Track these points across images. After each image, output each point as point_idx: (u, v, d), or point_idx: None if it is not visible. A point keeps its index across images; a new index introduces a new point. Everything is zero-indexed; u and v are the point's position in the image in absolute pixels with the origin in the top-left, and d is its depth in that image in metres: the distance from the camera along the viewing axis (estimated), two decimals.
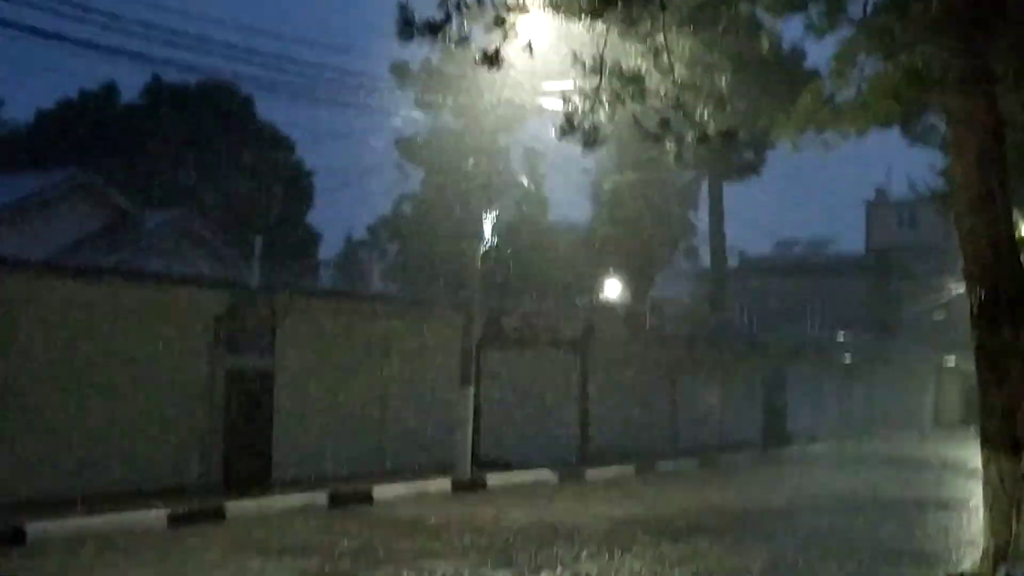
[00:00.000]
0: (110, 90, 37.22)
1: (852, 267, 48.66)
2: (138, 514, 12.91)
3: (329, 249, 42.69)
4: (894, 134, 15.67)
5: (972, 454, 11.89)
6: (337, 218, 42.59)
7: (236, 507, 14.03)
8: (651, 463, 22.39)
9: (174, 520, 13.06)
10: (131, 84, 39.78)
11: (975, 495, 12.95)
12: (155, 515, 13.01)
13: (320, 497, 15.21)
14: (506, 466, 19.34)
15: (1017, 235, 9.56)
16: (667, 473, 21.77)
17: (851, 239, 60.64)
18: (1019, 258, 9.28)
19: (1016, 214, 10.02)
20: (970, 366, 10.58)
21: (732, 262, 44.26)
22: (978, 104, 9.11)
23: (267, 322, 16.53)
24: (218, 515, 13.66)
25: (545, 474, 19.35)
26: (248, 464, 15.85)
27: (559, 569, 10.77)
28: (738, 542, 12.92)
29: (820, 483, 20.53)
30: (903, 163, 52.95)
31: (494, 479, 18.20)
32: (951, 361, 40.69)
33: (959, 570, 10.00)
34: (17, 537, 11.51)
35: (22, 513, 12.28)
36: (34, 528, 11.74)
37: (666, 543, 12.59)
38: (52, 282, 14.41)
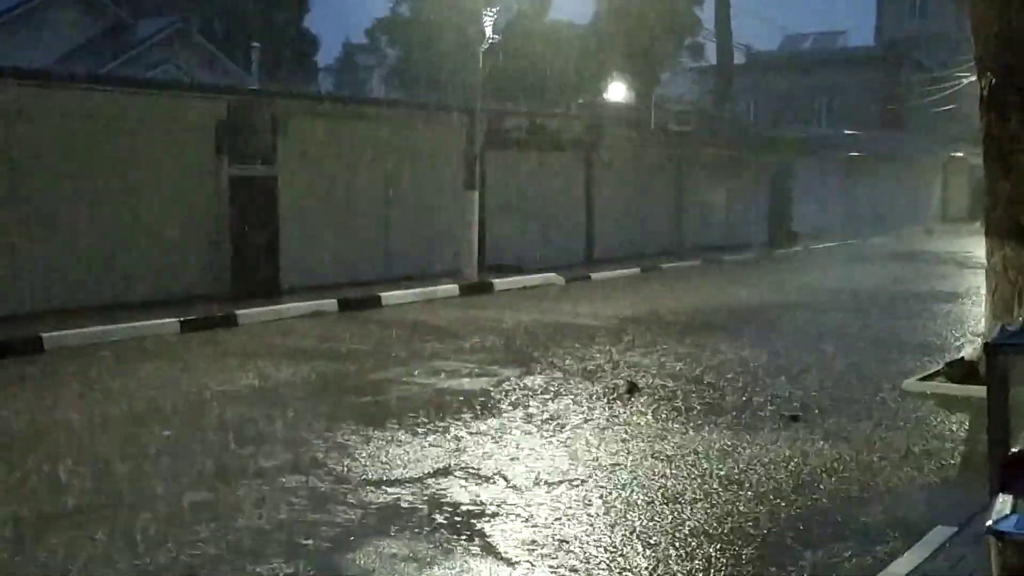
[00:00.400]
0: None
1: (861, 61, 47.70)
2: (150, 322, 13.09)
3: (327, 55, 42.00)
4: None
5: (978, 248, 11.94)
6: (334, 22, 41.67)
7: (247, 314, 14.21)
8: (656, 264, 22.57)
9: (186, 327, 13.27)
10: None
11: (979, 287, 13.09)
12: (167, 323, 13.20)
13: (329, 303, 15.39)
14: (512, 270, 19.50)
15: None
16: (672, 273, 21.96)
17: (861, 33, 59.37)
18: None
19: None
20: (978, 160, 10.49)
21: (739, 59, 43.47)
22: None
23: (269, 129, 16.36)
24: (230, 322, 13.86)
25: (551, 277, 19.52)
26: (257, 272, 15.98)
27: (567, 364, 10.98)
28: (744, 337, 13.14)
29: (825, 279, 20.72)
30: None
31: (501, 283, 18.38)
32: (959, 154, 40.43)
33: (960, 355, 10.17)
34: (35, 345, 11.73)
35: (38, 322, 12.50)
36: (50, 336, 11.95)
37: (672, 339, 12.80)
38: (53, 91, 14.22)
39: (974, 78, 9.65)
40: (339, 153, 17.69)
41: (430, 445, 7.70)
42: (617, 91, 30.51)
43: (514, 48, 29.39)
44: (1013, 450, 3.45)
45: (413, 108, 20.83)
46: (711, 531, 5.89)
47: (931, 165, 41.92)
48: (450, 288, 17.46)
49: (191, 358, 11.41)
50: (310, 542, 5.72)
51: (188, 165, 15.48)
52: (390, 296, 16.29)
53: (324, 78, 41.10)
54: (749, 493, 6.60)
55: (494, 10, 18.60)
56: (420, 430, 8.14)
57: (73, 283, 13.89)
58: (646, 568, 5.36)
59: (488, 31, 18.35)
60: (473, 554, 5.55)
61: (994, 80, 8.99)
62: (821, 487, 6.76)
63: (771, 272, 22.46)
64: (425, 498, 6.45)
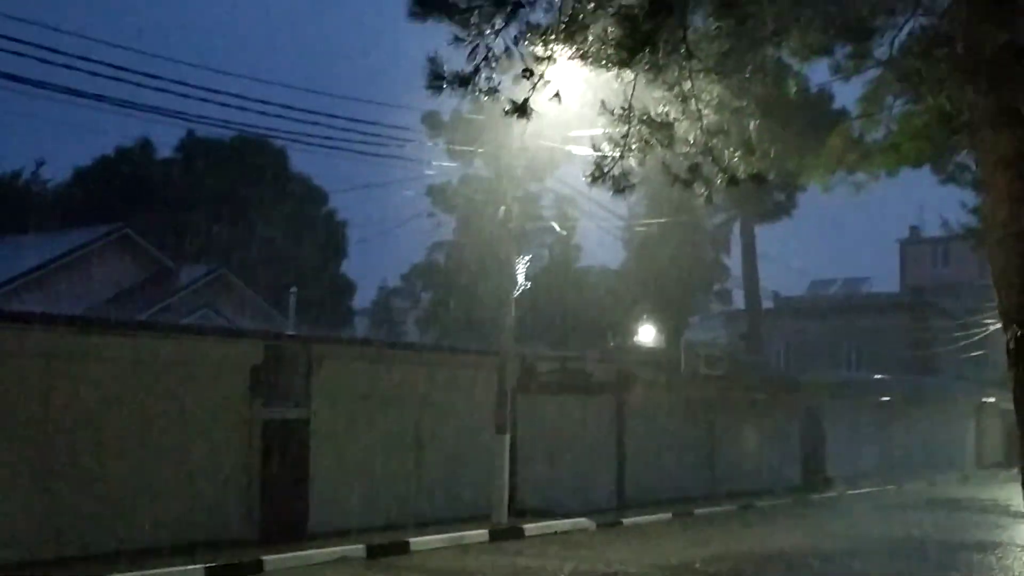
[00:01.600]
0: (146, 146, 37.86)
1: (888, 306, 48.31)
2: (176, 569, 12.95)
3: (363, 298, 43.01)
4: (925, 172, 15.67)
5: (1016, 495, 11.73)
6: (371, 267, 42.92)
7: (274, 560, 14.05)
8: (689, 509, 22.22)
9: (212, 574, 13.10)
10: (166, 141, 40.40)
11: (1020, 536, 12.80)
12: (193, 569, 13.05)
13: (357, 548, 15.20)
14: (543, 513, 19.27)
15: None
16: (705, 519, 21.59)
17: (886, 278, 60.39)
18: None
19: None
20: (1010, 405, 10.46)
21: (766, 304, 44.15)
22: (1007, 143, 9.09)
23: (302, 372, 16.64)
24: (256, 569, 13.68)
25: (583, 521, 19.26)
26: (285, 516, 15.88)
27: None
28: None
29: (863, 527, 20.30)
30: (935, 200, 52.93)
31: (531, 527, 18.13)
32: (991, 399, 40.22)
33: None
34: None
35: (64, 568, 12.38)
36: None
37: None
38: (89, 337, 14.59)
39: (1000, 325, 9.74)
40: (371, 396, 17.87)
41: None
42: (647, 334, 30.92)
43: (546, 292, 30.03)
44: None
45: (445, 352, 21.17)
46: None
47: (964, 410, 41.62)
48: (480, 533, 17.23)
49: None
50: None
51: (221, 408, 15.66)
52: (419, 541, 16.07)
53: (359, 321, 41.96)
54: None
55: (526, 258, 19.19)
56: None
57: (101, 527, 13.82)
58: None
59: (520, 278, 18.86)
60: None
61: (1020, 330, 9.08)
62: None
63: (807, 519, 22.03)
64: None
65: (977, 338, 27.74)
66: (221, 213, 36.04)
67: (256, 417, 15.92)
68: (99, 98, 16.09)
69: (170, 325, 19.20)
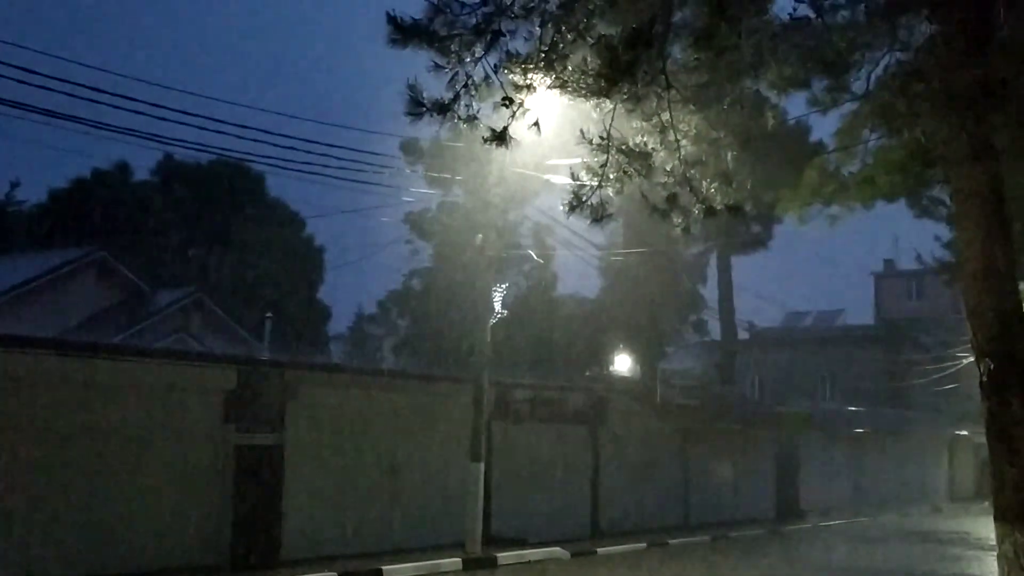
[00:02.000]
0: (122, 169, 37.66)
1: (862, 338, 48.55)
2: None
3: (339, 324, 42.85)
4: (900, 206, 15.81)
5: (988, 528, 11.77)
6: (347, 293, 42.79)
7: None
8: (663, 539, 22.17)
9: None
10: (143, 164, 40.25)
11: (992, 573, 12.79)
12: None
13: None
14: (517, 542, 19.17)
15: None
16: (679, 549, 21.53)
17: (860, 311, 60.65)
18: None
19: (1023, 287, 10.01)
20: (982, 438, 10.52)
21: (742, 334, 44.25)
22: (981, 178, 9.18)
23: (277, 398, 16.54)
24: None
25: (556, 551, 19.17)
26: (257, 542, 15.74)
27: None
28: None
29: (835, 559, 20.30)
30: (910, 234, 53.27)
31: (505, 556, 18.03)
32: (964, 432, 40.40)
33: None
34: None
35: None
36: None
37: None
38: (62, 360, 14.44)
39: (973, 359, 9.80)
40: (346, 422, 17.77)
41: None
42: (623, 364, 30.90)
43: (522, 321, 29.98)
44: None
45: (420, 379, 21.07)
46: None
47: (937, 443, 41.79)
48: (453, 562, 17.12)
49: None
50: None
51: (194, 433, 15.53)
52: (392, 569, 15.96)
53: (335, 347, 41.77)
54: None
55: (503, 286, 19.17)
56: None
57: (70, 553, 13.65)
58: None
59: (497, 306, 18.84)
60: None
61: (992, 365, 9.14)
62: None
63: (781, 551, 22.01)
64: None
65: (951, 371, 27.90)
66: (198, 237, 35.90)
67: (229, 442, 15.80)
68: (75, 120, 15.97)
69: (144, 349, 19.03)
